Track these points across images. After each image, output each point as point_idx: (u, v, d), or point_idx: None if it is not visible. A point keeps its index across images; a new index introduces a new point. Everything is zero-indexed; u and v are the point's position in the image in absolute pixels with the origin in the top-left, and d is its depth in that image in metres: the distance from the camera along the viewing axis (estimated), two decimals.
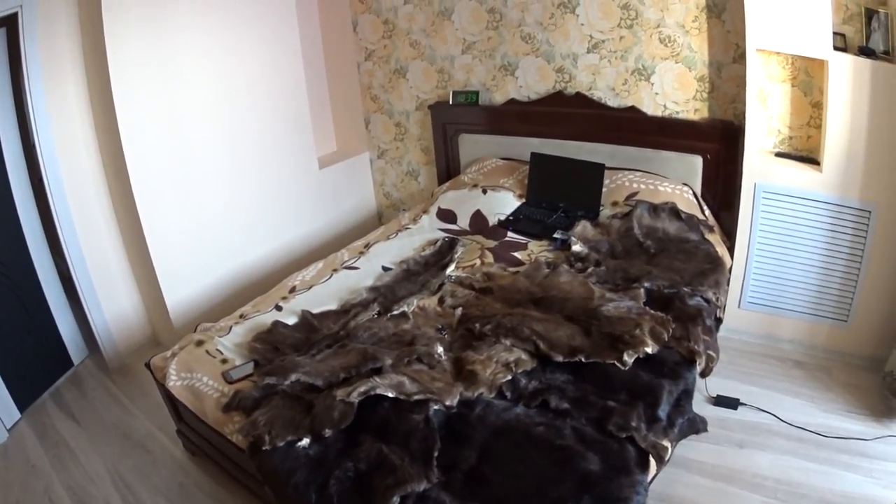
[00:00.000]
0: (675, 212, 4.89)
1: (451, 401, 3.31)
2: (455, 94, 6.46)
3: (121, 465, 4.60)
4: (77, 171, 5.26)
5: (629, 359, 3.46)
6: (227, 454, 3.92)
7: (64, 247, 5.27)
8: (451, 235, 5.48)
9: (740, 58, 4.76)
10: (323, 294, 4.79)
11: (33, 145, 4.97)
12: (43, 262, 5.41)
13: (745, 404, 4.39)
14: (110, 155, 5.30)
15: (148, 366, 4.29)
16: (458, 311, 4.26)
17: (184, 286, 5.74)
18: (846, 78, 4.14)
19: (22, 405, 5.18)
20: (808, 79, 4.60)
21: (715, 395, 4.45)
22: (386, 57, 6.91)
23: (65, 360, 5.76)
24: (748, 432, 4.19)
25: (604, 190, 5.33)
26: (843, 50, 4.14)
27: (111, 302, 5.74)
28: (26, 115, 4.91)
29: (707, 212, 5.13)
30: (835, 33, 4.11)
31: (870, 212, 4.37)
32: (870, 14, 4.02)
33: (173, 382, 3.98)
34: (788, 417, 4.23)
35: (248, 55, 5.94)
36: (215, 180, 5.88)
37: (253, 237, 6.37)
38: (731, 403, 4.40)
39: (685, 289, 4.11)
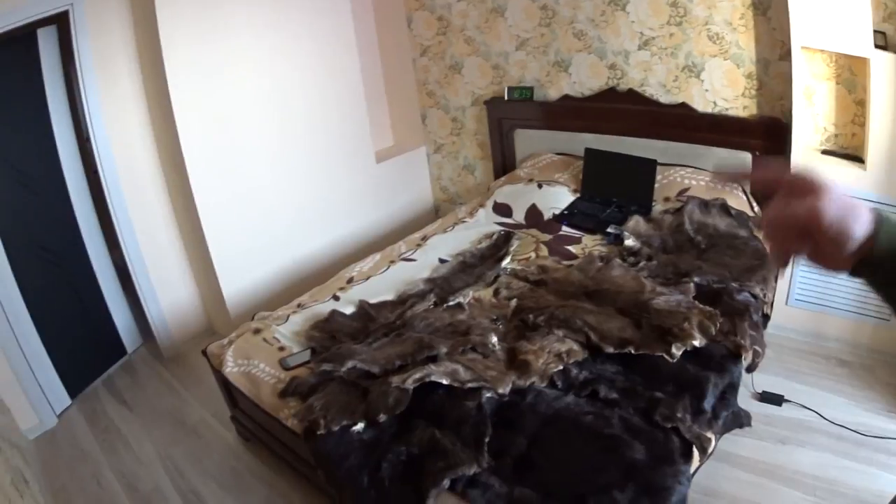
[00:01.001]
0: (725, 208, 4.89)
1: (504, 389, 3.36)
2: (510, 89, 6.47)
3: (172, 450, 4.69)
4: (132, 164, 5.36)
5: (677, 351, 3.49)
6: (280, 439, 4.01)
7: (120, 238, 5.37)
8: (507, 229, 5.52)
9: (786, 55, 4.73)
10: (380, 285, 4.86)
11: (87, 139, 5.08)
12: (98, 253, 5.54)
13: (790, 401, 4.38)
14: (166, 147, 5.39)
15: (205, 353, 4.38)
16: (513, 302, 4.31)
17: (240, 277, 5.81)
18: (888, 76, 4.12)
19: (73, 392, 5.30)
20: (851, 76, 4.58)
21: (760, 391, 4.45)
22: (441, 53, 6.95)
23: (118, 349, 5.87)
24: (791, 429, 4.18)
25: (656, 185, 5.34)
26: (884, 48, 4.12)
27: (167, 292, 5.84)
28: (79, 110, 5.01)
29: (756, 208, 5.10)
30: (875, 31, 4.08)
31: None
32: None
33: (230, 369, 4.06)
34: (831, 415, 4.22)
35: (304, 50, 5.99)
36: (272, 173, 5.95)
37: (310, 229, 6.43)
38: (775, 399, 4.39)
39: (733, 284, 4.12)
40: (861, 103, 4.54)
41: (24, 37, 4.71)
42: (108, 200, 5.24)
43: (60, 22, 4.72)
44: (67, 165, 5.20)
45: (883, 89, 4.16)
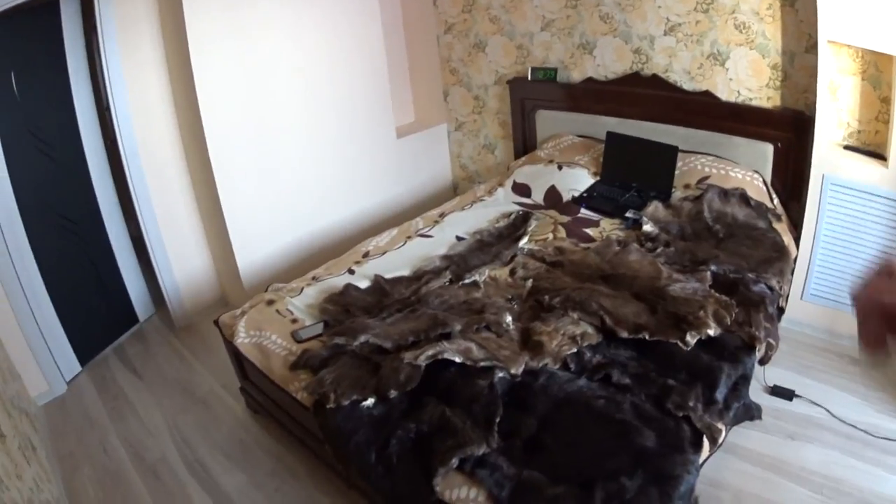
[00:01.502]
0: (744, 198, 4.88)
1: (517, 369, 3.35)
2: (534, 70, 6.46)
3: (180, 419, 4.71)
4: (151, 133, 5.37)
5: (692, 339, 3.48)
6: (290, 412, 4.01)
7: (136, 207, 5.39)
8: (526, 209, 5.51)
9: (812, 48, 4.71)
10: (396, 260, 4.87)
11: (107, 108, 5.10)
12: (114, 222, 5.57)
13: (800, 396, 4.36)
14: (186, 118, 5.39)
15: (217, 323, 4.38)
16: (529, 282, 4.30)
17: (256, 248, 5.82)
18: None
19: (84, 359, 5.33)
20: (877, 73, 4.53)
21: (772, 385, 4.43)
22: (465, 31, 6.94)
23: (131, 317, 5.91)
24: (800, 425, 4.16)
25: (676, 172, 5.33)
26: None
27: (181, 261, 5.86)
28: (100, 78, 5.04)
29: (776, 200, 5.09)
30: None
31: None
32: None
33: (241, 340, 4.08)
34: (840, 413, 4.20)
35: (329, 23, 5.97)
36: (291, 145, 5.94)
37: (327, 202, 6.43)
38: (786, 394, 4.37)
39: (750, 275, 4.10)
40: (886, 100, 4.50)
41: (47, 5, 4.71)
42: (126, 169, 5.25)
43: None
44: (86, 134, 5.22)
45: None
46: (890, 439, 3.99)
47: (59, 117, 5.04)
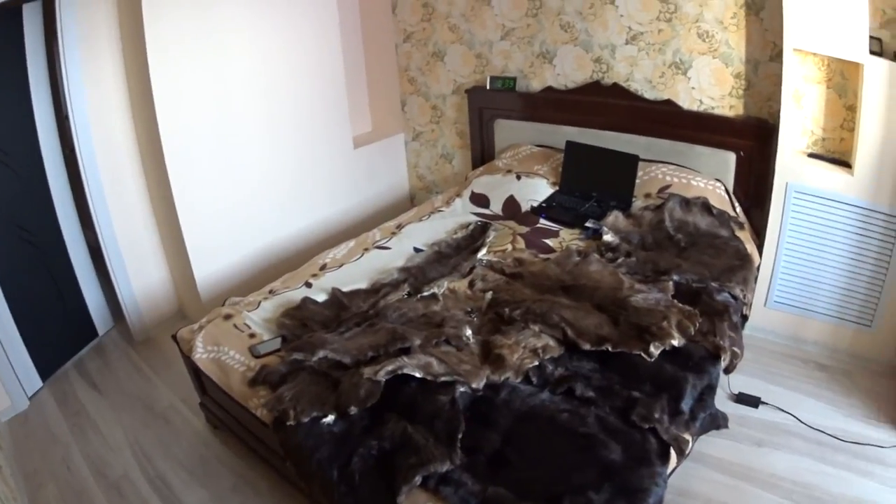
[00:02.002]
0: (706, 207, 4.89)
1: (478, 384, 3.33)
2: (492, 79, 6.46)
3: (141, 435, 4.65)
4: (110, 143, 5.31)
5: (655, 350, 3.47)
6: (250, 428, 3.96)
7: (94, 217, 5.31)
8: (484, 220, 5.50)
9: (777, 56, 4.74)
10: (353, 273, 4.82)
11: (66, 116, 5.02)
12: (72, 232, 5.47)
13: (767, 403, 4.38)
14: (144, 127, 5.32)
15: (175, 338, 4.33)
16: (488, 295, 4.27)
17: (213, 261, 5.76)
18: (881, 82, 4.10)
19: (44, 374, 5.25)
20: (843, 81, 4.58)
21: (737, 393, 4.44)
22: (424, 40, 6.92)
23: (90, 330, 5.81)
24: (767, 431, 4.18)
25: (637, 181, 5.33)
26: (879, 54, 4.11)
27: (139, 274, 5.79)
28: (60, 87, 4.97)
29: (738, 208, 5.13)
30: (871, 37, 4.07)
31: None
32: None
33: (199, 355, 4.02)
34: (808, 419, 4.22)
35: (287, 32, 5.94)
36: (249, 155, 5.89)
37: (285, 214, 6.39)
38: (752, 401, 4.39)
39: (713, 284, 4.11)
40: (851, 108, 4.55)
41: (9, 12, 4.64)
42: (84, 179, 5.18)
43: None
44: (45, 143, 5.13)
45: (875, 95, 4.15)
46: (858, 443, 4.03)
47: (18, 126, 4.97)
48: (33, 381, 5.11)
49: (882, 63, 4.07)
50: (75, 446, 4.61)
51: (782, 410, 4.31)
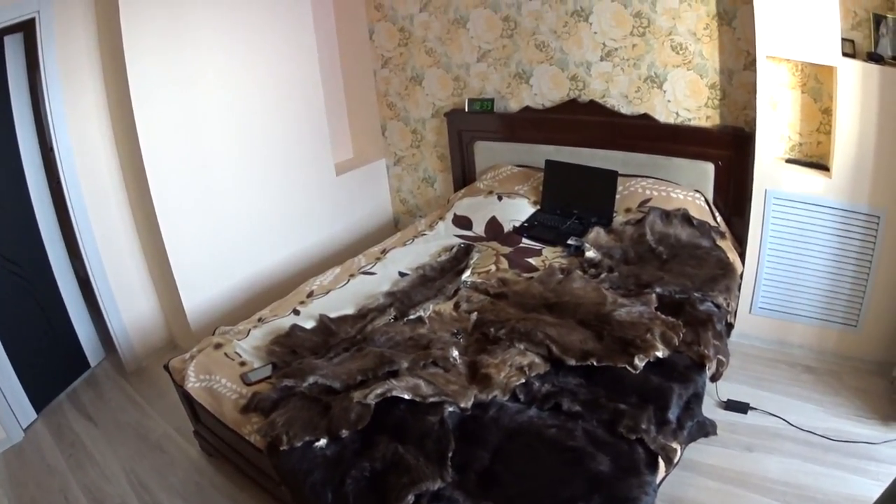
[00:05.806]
0: (687, 218, 4.93)
1: (466, 403, 3.36)
2: (470, 101, 6.48)
3: (137, 465, 4.65)
4: (95, 175, 5.32)
5: (640, 363, 3.50)
6: (244, 455, 3.97)
7: (81, 249, 5.33)
8: (467, 241, 5.53)
9: (751, 65, 4.78)
10: (340, 299, 4.84)
11: (51, 148, 5.04)
12: (60, 265, 5.48)
13: (755, 408, 4.40)
14: (128, 159, 5.35)
15: (167, 368, 4.35)
16: (474, 315, 4.30)
17: (201, 290, 5.77)
18: (855, 84, 4.15)
19: (38, 406, 5.25)
20: (817, 85, 4.62)
21: (725, 400, 4.46)
22: (402, 64, 6.95)
23: (82, 362, 5.82)
24: (758, 436, 4.20)
25: (617, 197, 5.36)
26: (852, 56, 4.14)
27: (129, 305, 5.79)
28: (43, 119, 4.98)
29: (718, 218, 5.15)
30: (843, 39, 4.11)
31: (878, 217, 4.38)
32: (878, 20, 4.02)
33: (192, 384, 4.04)
34: (797, 421, 4.24)
35: (266, 61, 5.97)
36: (233, 185, 5.91)
37: (270, 243, 6.40)
38: (741, 408, 4.40)
39: (696, 294, 4.15)
40: (827, 111, 4.59)
41: None
42: (71, 211, 5.19)
43: (27, 30, 4.71)
44: (31, 175, 5.14)
45: (850, 98, 4.20)
46: (849, 441, 4.07)
47: (3, 158, 4.98)
48: (27, 412, 5.11)
49: (855, 65, 4.13)
50: (72, 477, 4.61)
51: (772, 415, 4.33)
